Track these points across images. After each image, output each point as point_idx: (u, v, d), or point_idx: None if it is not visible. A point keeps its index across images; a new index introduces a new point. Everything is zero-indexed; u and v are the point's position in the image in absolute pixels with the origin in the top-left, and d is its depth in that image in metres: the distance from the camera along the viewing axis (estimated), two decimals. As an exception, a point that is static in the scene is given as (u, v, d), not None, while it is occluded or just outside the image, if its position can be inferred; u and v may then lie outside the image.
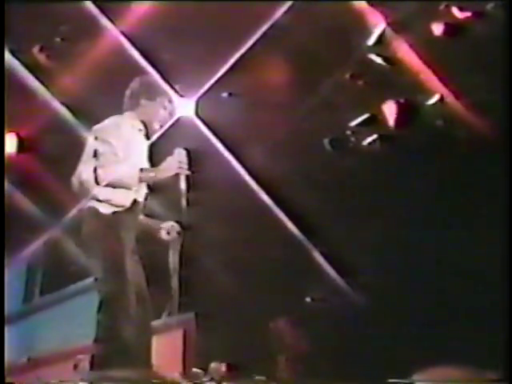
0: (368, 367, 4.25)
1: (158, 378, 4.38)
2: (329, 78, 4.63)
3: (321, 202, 4.77)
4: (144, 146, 4.48)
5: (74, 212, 4.98)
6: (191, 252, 4.84)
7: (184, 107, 4.83)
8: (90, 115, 5.07)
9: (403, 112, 4.53)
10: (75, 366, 4.75)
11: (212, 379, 4.45)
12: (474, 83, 4.24)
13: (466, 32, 4.28)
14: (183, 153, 4.48)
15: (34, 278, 5.64)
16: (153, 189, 4.61)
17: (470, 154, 4.29)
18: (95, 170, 4.34)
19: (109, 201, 4.39)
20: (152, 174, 4.45)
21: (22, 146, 5.43)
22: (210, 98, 4.88)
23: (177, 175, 4.61)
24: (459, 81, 4.33)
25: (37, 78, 5.27)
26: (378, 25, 4.47)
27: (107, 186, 4.36)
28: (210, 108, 4.90)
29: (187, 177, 4.58)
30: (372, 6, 4.46)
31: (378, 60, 4.53)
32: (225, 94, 4.86)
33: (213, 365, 4.52)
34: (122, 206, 4.41)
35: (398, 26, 4.43)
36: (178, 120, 4.76)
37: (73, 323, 4.93)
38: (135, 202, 4.48)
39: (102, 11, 5.03)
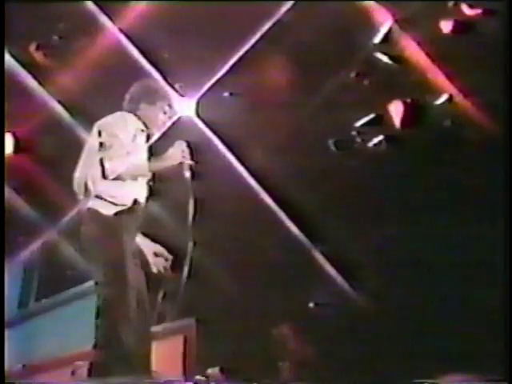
0: (373, 373, 4.20)
1: (157, 385, 4.30)
2: (333, 77, 4.60)
3: (325, 204, 4.73)
4: (145, 146, 4.47)
5: (72, 214, 4.94)
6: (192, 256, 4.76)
7: (184, 107, 4.83)
8: (88, 115, 5.04)
9: (410, 112, 4.49)
10: (73, 373, 4.71)
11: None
12: (484, 82, 4.17)
13: (476, 30, 4.22)
14: (184, 144, 4.48)
15: (30, 282, 5.60)
16: (154, 192, 4.58)
17: (479, 155, 4.22)
18: (101, 163, 4.32)
19: (112, 198, 4.34)
20: (159, 163, 4.46)
21: (18, 146, 5.40)
22: (210, 98, 4.86)
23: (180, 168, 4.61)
24: (468, 80, 4.27)
25: (33, 76, 5.26)
26: (384, 22, 4.40)
27: (113, 179, 4.33)
28: (211, 108, 4.88)
29: (190, 166, 4.56)
30: (378, 3, 4.41)
31: (385, 59, 4.48)
32: (226, 94, 4.85)
33: (210, 371, 4.46)
34: (124, 205, 4.37)
35: (405, 23, 4.37)
36: (178, 120, 4.74)
37: (70, 329, 4.89)
38: (136, 202, 4.43)
39: (101, 9, 5.00)
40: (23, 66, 5.22)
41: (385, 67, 4.48)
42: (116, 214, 4.36)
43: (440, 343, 4.12)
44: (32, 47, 5.21)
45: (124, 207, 4.38)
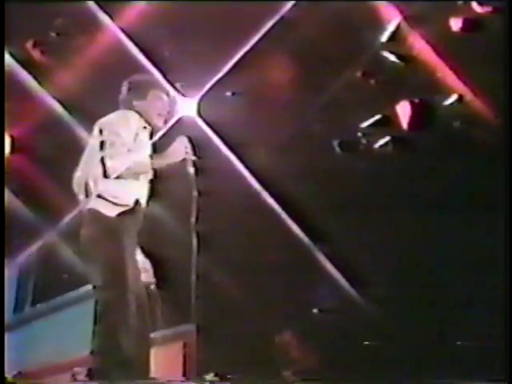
0: (379, 382, 4.14)
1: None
2: (339, 76, 4.56)
3: (329, 206, 4.69)
4: (147, 144, 4.41)
5: (70, 215, 4.89)
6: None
7: (186, 107, 4.79)
8: (87, 114, 5.01)
9: (418, 113, 4.45)
10: (72, 379, 4.58)
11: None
12: (494, 82, 4.14)
13: (486, 28, 4.19)
14: (185, 139, 4.44)
15: (26, 286, 5.54)
16: (155, 192, 4.54)
17: (489, 157, 4.17)
18: (103, 161, 4.26)
19: (114, 198, 4.29)
20: (162, 160, 4.41)
21: (15, 146, 5.34)
22: (212, 98, 4.82)
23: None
24: (479, 79, 4.23)
25: (30, 74, 5.19)
26: (391, 20, 4.38)
27: (115, 178, 4.28)
28: (213, 108, 4.84)
29: (194, 162, 4.52)
30: (385, 0, 4.38)
31: (392, 57, 4.45)
32: (228, 93, 4.81)
33: (208, 377, 4.39)
34: (126, 206, 4.31)
35: (413, 21, 4.35)
36: (179, 120, 4.69)
37: (67, 334, 4.84)
38: (137, 202, 4.38)
39: (100, 6, 4.96)
40: (20, 63, 5.16)
41: (392, 66, 4.45)
42: (118, 215, 4.30)
43: (447, 349, 4.14)
44: (29, 44, 5.15)
45: (126, 208, 4.32)
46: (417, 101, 4.45)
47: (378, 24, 4.42)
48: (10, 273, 5.32)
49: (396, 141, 4.55)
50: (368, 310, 4.50)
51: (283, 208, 4.83)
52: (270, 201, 4.81)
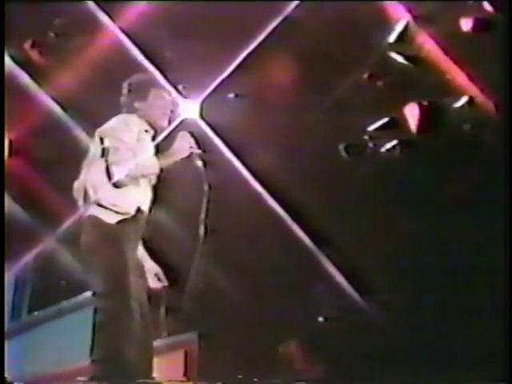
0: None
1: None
2: (345, 78, 4.52)
3: (335, 212, 4.65)
4: (150, 147, 4.40)
5: (70, 221, 4.90)
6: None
7: (188, 109, 4.78)
8: (87, 116, 5.09)
9: (426, 115, 4.38)
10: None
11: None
12: (506, 84, 4.04)
13: (498, 28, 4.11)
14: (187, 134, 4.46)
15: (23, 293, 5.49)
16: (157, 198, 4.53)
17: (501, 162, 4.07)
18: (107, 169, 4.24)
19: (114, 206, 4.27)
20: (169, 159, 4.42)
21: (13, 149, 5.36)
22: (215, 100, 4.82)
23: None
24: (490, 81, 4.15)
25: (29, 76, 5.21)
26: (399, 20, 4.31)
27: (116, 186, 4.25)
28: (216, 110, 4.84)
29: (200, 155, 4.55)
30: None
31: (400, 59, 4.38)
32: (231, 95, 4.81)
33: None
34: (127, 213, 4.29)
35: (421, 21, 4.27)
36: (182, 123, 4.67)
37: (65, 343, 4.79)
38: (139, 210, 4.36)
39: (100, 6, 4.97)
40: (18, 64, 5.17)
41: (400, 68, 4.39)
42: (118, 222, 4.27)
43: (447, 349, 4.11)
44: (27, 45, 5.15)
45: (127, 216, 4.30)
46: (425, 103, 4.38)
47: (385, 24, 4.36)
48: (7, 280, 5.28)
49: (404, 144, 4.49)
50: (376, 317, 4.45)
51: (287, 213, 4.80)
52: (275, 206, 4.79)
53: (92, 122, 4.66)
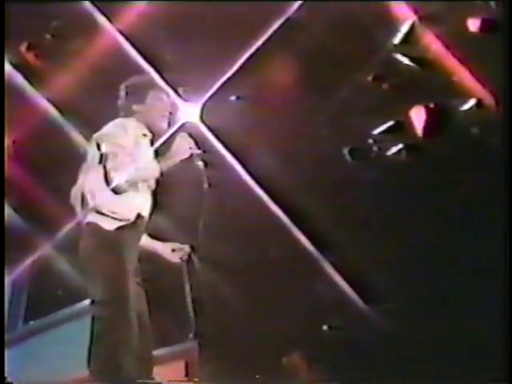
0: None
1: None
2: (349, 80, 4.50)
3: (339, 218, 4.68)
4: (149, 151, 4.35)
5: (68, 228, 4.89)
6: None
7: (188, 112, 4.74)
8: (85, 120, 5.08)
9: (433, 118, 4.37)
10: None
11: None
12: (507, 85, 4.03)
13: (506, 28, 4.04)
14: (186, 135, 4.40)
15: (19, 302, 5.48)
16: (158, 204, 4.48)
17: (510, 166, 4.03)
18: (106, 175, 4.19)
19: (113, 213, 4.21)
20: (169, 161, 4.35)
21: (8, 154, 5.28)
22: (216, 103, 4.79)
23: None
24: (498, 83, 4.11)
25: (25, 78, 5.20)
26: (404, 20, 4.27)
27: (117, 192, 4.21)
28: (217, 113, 4.82)
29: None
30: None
31: (405, 60, 4.35)
32: (233, 98, 4.80)
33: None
34: (126, 220, 4.23)
35: (427, 21, 4.23)
36: (182, 126, 4.61)
37: (62, 353, 4.77)
38: (139, 216, 4.29)
39: (97, 7, 4.94)
40: (13, 67, 5.15)
41: (405, 69, 4.36)
42: (118, 228, 4.21)
43: (447, 349, 4.16)
44: (22, 47, 5.12)
45: (126, 222, 4.24)
46: (432, 106, 4.37)
47: (390, 24, 4.31)
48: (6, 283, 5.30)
49: (410, 148, 4.49)
50: (381, 325, 4.48)
51: (290, 219, 4.82)
52: (278, 212, 4.81)
53: (90, 126, 4.64)
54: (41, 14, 4.91)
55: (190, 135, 4.40)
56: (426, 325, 4.23)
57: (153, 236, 4.53)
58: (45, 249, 5.25)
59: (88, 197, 4.22)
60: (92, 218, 4.23)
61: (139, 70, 4.86)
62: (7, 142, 5.29)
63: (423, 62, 4.31)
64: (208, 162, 4.48)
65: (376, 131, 4.54)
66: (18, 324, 5.44)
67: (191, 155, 4.37)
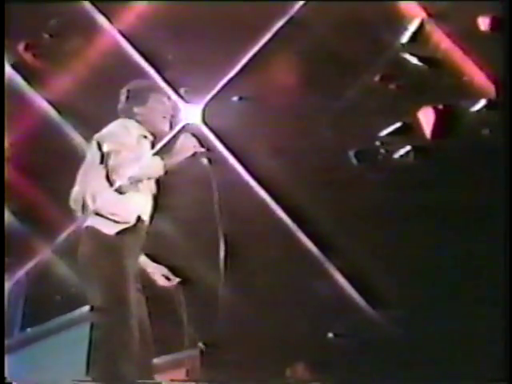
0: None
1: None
2: (355, 80, 4.51)
3: (346, 222, 4.67)
4: (150, 154, 4.27)
5: (67, 232, 4.79)
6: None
7: (190, 114, 4.67)
8: (84, 122, 5.05)
9: (442, 120, 4.39)
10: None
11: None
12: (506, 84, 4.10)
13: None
14: (189, 135, 4.32)
15: (15, 308, 5.41)
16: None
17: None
18: (108, 175, 4.09)
19: (113, 215, 4.11)
20: (173, 159, 4.26)
21: (5, 155, 5.12)
22: (218, 104, 4.74)
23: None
24: (509, 83, 4.09)
25: (23, 78, 5.11)
26: (412, 19, 4.31)
27: (120, 192, 4.12)
28: (219, 114, 4.75)
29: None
30: None
31: (413, 60, 4.37)
32: (235, 99, 4.79)
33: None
34: (126, 223, 4.13)
35: (436, 20, 4.26)
36: (183, 128, 4.51)
37: (60, 361, 4.60)
38: (139, 219, 4.19)
39: (97, 7, 4.87)
40: (11, 67, 5.07)
41: (413, 69, 4.38)
42: (118, 233, 4.12)
43: (447, 349, 4.18)
44: (20, 47, 5.04)
45: (126, 225, 4.14)
46: (441, 107, 4.41)
47: (397, 23, 4.34)
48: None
49: (418, 151, 4.52)
50: (391, 332, 4.48)
51: (294, 222, 4.81)
52: (282, 215, 4.80)
53: (89, 127, 4.55)
54: (39, 13, 4.86)
55: (193, 135, 4.36)
56: (426, 325, 4.25)
57: (150, 256, 4.45)
58: (43, 254, 5.21)
59: (89, 200, 4.14)
60: (91, 221, 4.15)
61: (139, 71, 4.83)
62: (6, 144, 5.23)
63: (432, 61, 4.33)
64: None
65: (383, 133, 4.56)
66: (14, 331, 5.35)
67: (195, 153, 4.31)
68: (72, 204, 4.25)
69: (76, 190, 4.24)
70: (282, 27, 4.52)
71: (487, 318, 4.01)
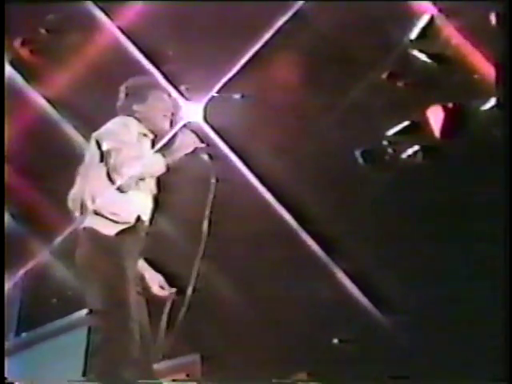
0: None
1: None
2: (361, 78, 4.47)
3: (351, 223, 4.62)
4: (150, 152, 4.27)
5: (64, 234, 4.71)
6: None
7: (191, 112, 4.64)
8: (83, 120, 5.00)
9: (451, 119, 4.35)
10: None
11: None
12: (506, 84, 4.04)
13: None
14: (188, 131, 4.35)
15: (10, 312, 5.36)
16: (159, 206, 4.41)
17: None
18: (108, 173, 4.09)
19: (113, 215, 4.11)
20: (174, 155, 4.27)
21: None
22: (220, 101, 4.72)
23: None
24: (509, 83, 4.04)
25: (20, 75, 5.10)
26: (421, 14, 4.25)
27: (122, 190, 4.12)
28: (221, 112, 4.72)
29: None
30: None
31: (422, 57, 4.34)
32: (237, 96, 4.76)
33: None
34: (126, 223, 4.13)
35: (446, 15, 4.20)
36: (184, 126, 4.50)
37: (57, 366, 4.65)
38: (139, 219, 4.19)
39: (96, 3, 4.87)
40: (8, 63, 5.05)
41: (422, 67, 4.35)
42: (117, 233, 4.12)
43: (447, 349, 4.16)
44: (17, 42, 5.04)
45: (126, 225, 4.14)
46: (450, 105, 4.37)
47: (405, 19, 4.30)
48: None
49: (426, 151, 4.49)
50: (398, 338, 4.43)
51: (298, 223, 4.80)
52: (285, 216, 4.78)
53: (87, 124, 4.58)
54: (35, 9, 4.85)
55: (193, 131, 4.37)
56: (430, 328, 4.23)
57: (149, 261, 4.44)
58: (40, 256, 5.24)
59: (88, 201, 4.12)
60: (89, 222, 4.13)
61: (139, 67, 4.81)
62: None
63: (441, 58, 4.30)
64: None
65: (390, 132, 4.53)
66: (9, 336, 5.31)
67: (195, 149, 4.32)
68: (70, 204, 4.23)
69: (75, 191, 4.21)
70: (285, 23, 4.48)
71: (487, 318, 3.98)
